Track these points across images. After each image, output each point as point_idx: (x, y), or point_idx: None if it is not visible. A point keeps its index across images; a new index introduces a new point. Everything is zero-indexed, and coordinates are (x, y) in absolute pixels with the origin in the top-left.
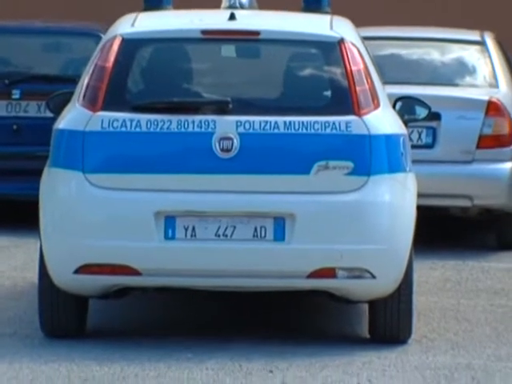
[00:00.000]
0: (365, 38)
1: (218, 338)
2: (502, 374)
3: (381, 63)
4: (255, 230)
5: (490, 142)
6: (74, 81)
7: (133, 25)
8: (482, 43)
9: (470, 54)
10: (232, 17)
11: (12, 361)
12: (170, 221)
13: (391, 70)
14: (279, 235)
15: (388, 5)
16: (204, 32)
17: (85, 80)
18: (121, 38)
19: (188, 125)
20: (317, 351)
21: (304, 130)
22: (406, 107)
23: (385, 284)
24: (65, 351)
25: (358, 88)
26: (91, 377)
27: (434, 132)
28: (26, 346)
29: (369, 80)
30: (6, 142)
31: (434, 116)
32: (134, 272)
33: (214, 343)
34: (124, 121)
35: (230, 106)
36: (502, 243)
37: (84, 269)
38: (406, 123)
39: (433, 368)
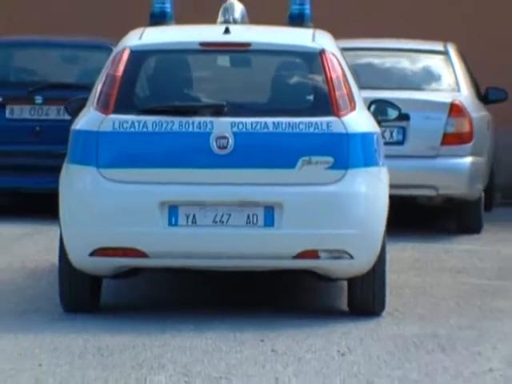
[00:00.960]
0: (343, 49)
1: (215, 313)
2: (463, 341)
3: (357, 70)
4: (248, 217)
5: (452, 140)
6: (88, 88)
7: (140, 38)
8: (445, 53)
9: (435, 63)
10: (226, 30)
11: (36, 333)
12: (173, 209)
13: (366, 76)
14: (269, 221)
15: (363, 19)
16: (202, 44)
17: (98, 87)
18: (129, 50)
19: (188, 125)
20: (302, 323)
21: (290, 130)
22: (379, 109)
23: (361, 264)
24: (81, 324)
25: (337, 92)
26: (104, 346)
27: (403, 131)
28: (47, 320)
29: (346, 85)
30: (30, 142)
31: (404, 117)
32: (141, 254)
33: (213, 317)
34: (132, 122)
35: (225, 108)
36: (463, 228)
37: (98, 252)
38: (379, 123)
39: (403, 337)
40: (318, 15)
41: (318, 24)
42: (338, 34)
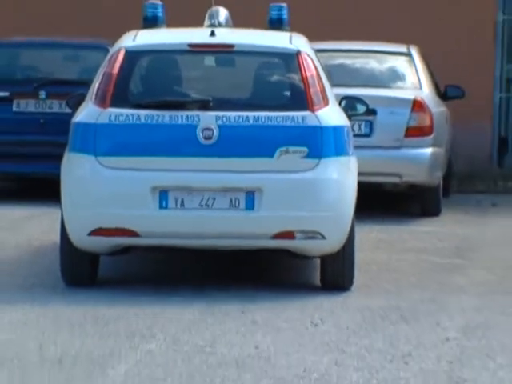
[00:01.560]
0: (317, 51)
1: (201, 287)
2: (424, 313)
3: (330, 70)
4: (231, 201)
5: (414, 132)
6: (87, 84)
7: (134, 40)
8: (408, 54)
9: (399, 63)
10: (212, 33)
11: (40, 304)
12: (163, 194)
13: (338, 75)
14: (250, 205)
15: (335, 24)
16: (190, 45)
17: (96, 84)
18: (124, 50)
19: (178, 118)
20: (279, 297)
21: (269, 123)
22: (349, 104)
23: (332, 243)
24: (80, 297)
25: (311, 89)
26: (101, 315)
27: (371, 124)
28: (50, 293)
29: (320, 83)
30: (35, 132)
31: (371, 112)
32: (134, 234)
33: (199, 291)
34: (127, 115)
35: (211, 103)
36: (424, 211)
37: (96, 232)
38: (349, 117)
39: (370, 309)
40: (295, 20)
41: (295, 28)
42: (312, 37)
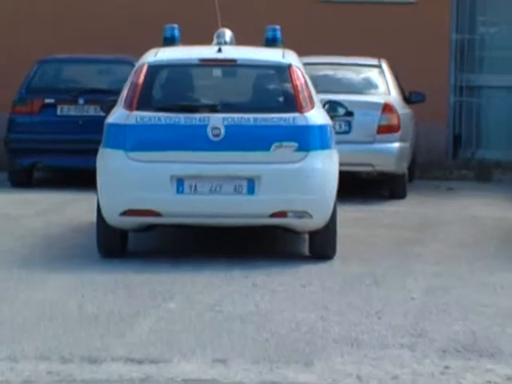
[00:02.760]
0: (305, 64)
1: (211, 257)
2: (393, 277)
3: (315, 79)
4: (235, 187)
5: (385, 130)
6: (117, 92)
7: (155, 56)
8: (379, 66)
9: (372, 74)
10: (219, 50)
11: (79, 272)
12: (180, 181)
13: (322, 83)
14: (251, 190)
15: (320, 42)
16: (201, 60)
17: (124, 92)
18: (147, 65)
19: (191, 120)
20: (275, 265)
21: (266, 123)
22: (331, 108)
23: (318, 221)
24: (113, 266)
25: (300, 95)
26: (130, 281)
27: (349, 123)
28: (88, 263)
29: (307, 90)
30: (75, 132)
31: (349, 113)
32: (156, 214)
33: (209, 260)
34: (150, 117)
35: (218, 107)
36: (392, 194)
37: (125, 212)
38: (331, 118)
39: (349, 274)
40: (286, 38)
41: (286, 45)
42: (301, 52)
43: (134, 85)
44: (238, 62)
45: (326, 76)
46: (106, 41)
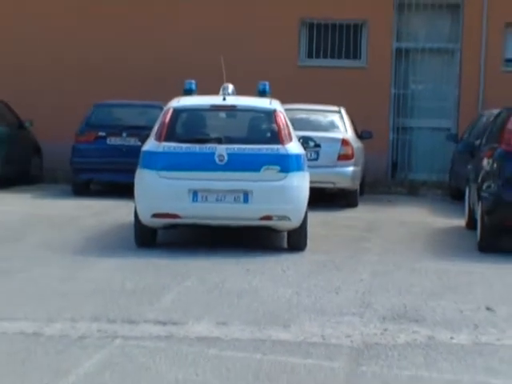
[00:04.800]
0: (286, 109)
1: (215, 248)
2: (347, 264)
3: (293, 120)
4: (234, 197)
5: (343, 158)
6: (150, 128)
7: (178, 102)
8: (339, 112)
9: (334, 117)
10: (224, 99)
11: (121, 258)
12: (195, 193)
13: (298, 123)
14: (246, 200)
15: (296, 94)
16: (211, 106)
17: (155, 128)
18: (172, 108)
19: (203, 149)
20: (263, 254)
21: (257, 151)
22: (304, 141)
23: (294, 223)
24: (145, 253)
25: (282, 132)
26: (158, 265)
27: (317, 153)
28: (127, 251)
29: (287, 128)
30: (119, 156)
31: (317, 145)
32: (177, 217)
33: (214, 250)
34: (174, 147)
35: (223, 140)
36: (348, 204)
37: (155, 215)
38: (304, 148)
39: (316, 262)
40: (273, 91)
41: (273, 95)
42: (283, 101)
43: (163, 123)
44: (238, 108)
45: (301, 118)
46: (141, 90)
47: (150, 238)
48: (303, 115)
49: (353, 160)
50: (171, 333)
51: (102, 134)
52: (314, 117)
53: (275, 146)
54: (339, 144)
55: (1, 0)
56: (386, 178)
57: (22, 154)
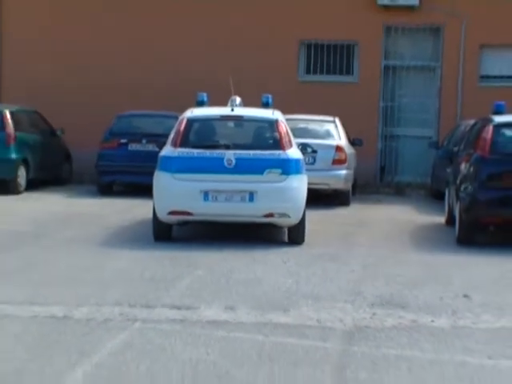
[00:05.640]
0: (287, 119)
1: (224, 241)
2: (340, 256)
3: (293, 129)
4: (241, 197)
5: (337, 162)
6: (167, 136)
7: (192, 113)
8: (334, 122)
9: (329, 126)
10: (232, 110)
11: (140, 250)
12: (206, 193)
13: (297, 132)
14: (251, 199)
15: (296, 105)
16: (221, 116)
17: (171, 135)
18: (186, 119)
19: (213, 154)
20: (266, 247)
21: (262, 156)
22: (303, 147)
23: (294, 220)
24: (162, 246)
25: (283, 139)
26: (173, 257)
27: (314, 158)
28: (146, 244)
29: (288, 136)
30: (139, 161)
31: (314, 151)
32: (190, 214)
33: (223, 243)
34: (187, 152)
35: (231, 146)
36: (341, 203)
37: (171, 212)
38: (303, 154)
39: (313, 254)
40: (276, 103)
41: (275, 106)
42: (284, 112)
43: (178, 131)
44: (244, 118)
45: (300, 127)
46: (158, 102)
47: (166, 232)
48: (302, 124)
49: (346, 164)
50: (185, 316)
51: (123, 141)
52: (311, 126)
53: (277, 152)
54: (333, 150)
55: (41, 27)
56: (375, 180)
57: (53, 160)
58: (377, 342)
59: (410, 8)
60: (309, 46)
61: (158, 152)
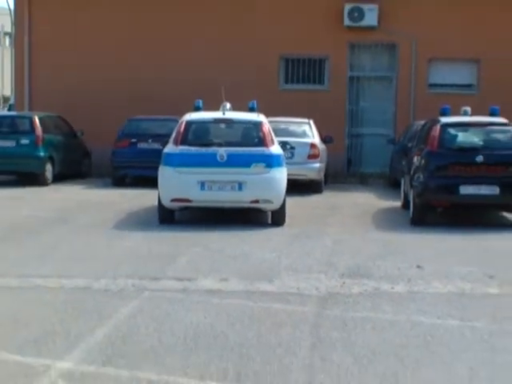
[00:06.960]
0: (269, 121)
1: (217, 224)
2: (315, 235)
3: (275, 129)
4: (231, 186)
5: (311, 157)
6: (169, 136)
7: (190, 116)
8: (308, 123)
9: (305, 127)
10: (223, 113)
11: (147, 231)
12: (202, 183)
13: (278, 132)
14: (240, 188)
15: (278, 109)
16: (214, 119)
17: (173, 135)
18: (185, 121)
19: (208, 150)
20: (253, 228)
21: (248, 152)
22: (283, 145)
23: (276, 205)
24: (165, 228)
25: (267, 138)
26: (175, 237)
27: (292, 153)
28: (152, 226)
29: (270, 135)
30: (147, 157)
31: (293, 148)
32: (189, 201)
33: (216, 226)
34: (187, 149)
35: (223, 144)
36: (315, 191)
37: (173, 200)
38: (283, 150)
39: (293, 234)
40: (261, 107)
41: (260, 111)
42: (267, 115)
43: (178, 132)
44: (234, 120)
45: (280, 128)
46: (160, 107)
47: (169, 217)
48: (282, 126)
49: (319, 158)
50: (186, 286)
51: (133, 140)
52: (290, 127)
53: (261, 149)
54: (308, 147)
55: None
56: (343, 171)
57: (75, 157)
58: (346, 306)
59: (370, 28)
60: (287, 60)
61: (162, 149)
